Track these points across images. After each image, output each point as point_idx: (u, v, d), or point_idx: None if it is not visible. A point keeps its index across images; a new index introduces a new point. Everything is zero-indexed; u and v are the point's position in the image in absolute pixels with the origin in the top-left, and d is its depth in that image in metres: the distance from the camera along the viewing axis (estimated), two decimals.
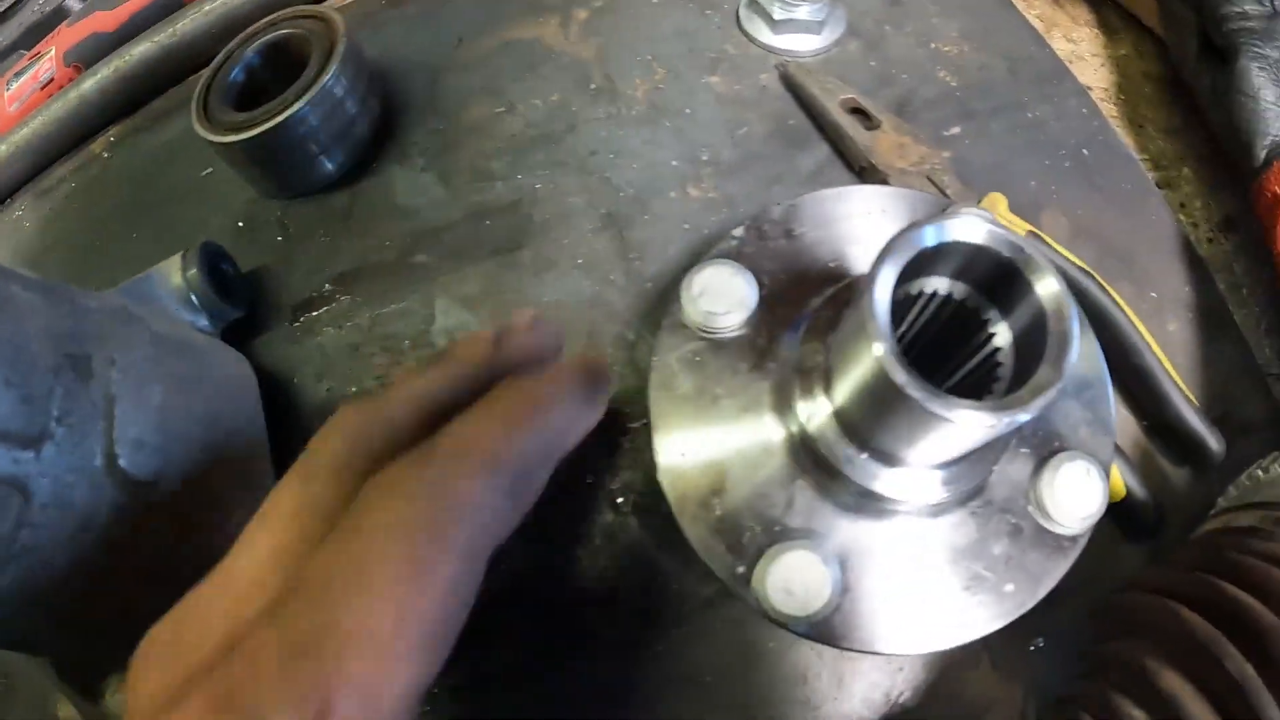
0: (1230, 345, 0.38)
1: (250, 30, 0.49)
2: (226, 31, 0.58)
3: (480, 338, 0.25)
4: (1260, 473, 0.30)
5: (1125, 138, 0.43)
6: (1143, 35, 0.48)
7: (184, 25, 0.58)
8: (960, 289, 0.24)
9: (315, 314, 0.41)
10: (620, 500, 0.34)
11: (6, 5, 0.73)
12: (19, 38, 0.70)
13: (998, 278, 0.23)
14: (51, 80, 0.62)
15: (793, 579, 0.25)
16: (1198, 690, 0.22)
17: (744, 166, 0.39)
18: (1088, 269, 0.35)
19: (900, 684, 0.31)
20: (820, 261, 0.30)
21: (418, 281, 0.40)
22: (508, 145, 0.42)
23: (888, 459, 0.25)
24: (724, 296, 0.29)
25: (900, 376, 0.20)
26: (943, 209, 0.30)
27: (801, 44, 0.43)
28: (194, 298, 0.40)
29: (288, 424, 0.38)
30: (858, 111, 0.39)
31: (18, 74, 0.63)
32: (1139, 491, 0.32)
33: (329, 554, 0.18)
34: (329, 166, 0.45)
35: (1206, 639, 0.23)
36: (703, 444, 0.28)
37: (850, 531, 0.27)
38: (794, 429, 0.27)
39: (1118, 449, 0.32)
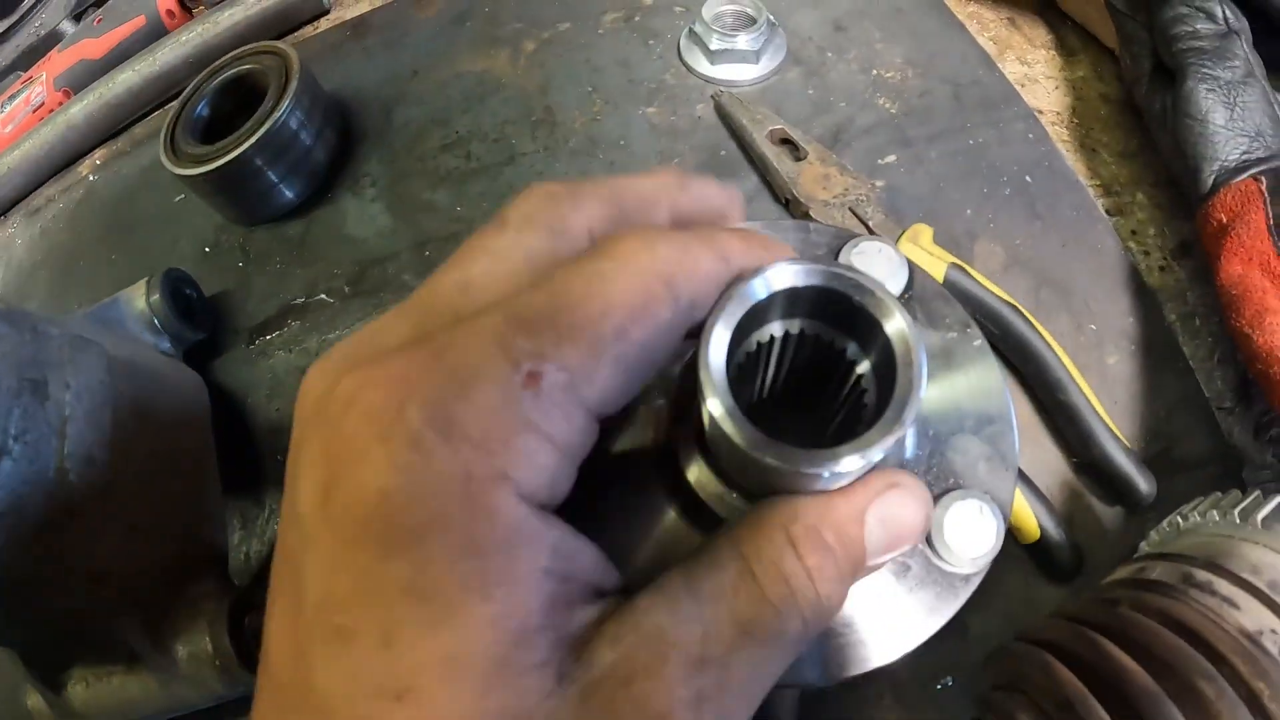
0: (1175, 378, 0.36)
1: (214, 65, 0.51)
2: (202, 60, 0.61)
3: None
4: (1180, 519, 0.29)
5: (1076, 163, 0.42)
6: (1102, 56, 0.47)
7: (163, 55, 0.62)
8: (813, 325, 0.23)
9: (269, 337, 0.43)
10: None
11: (3, 29, 0.77)
12: (15, 59, 0.74)
13: (847, 314, 0.22)
14: (43, 104, 0.66)
15: None
16: None
17: None
18: (1012, 302, 0.34)
19: (803, 715, 0.30)
20: None
21: (363, 309, 0.41)
22: (451, 177, 0.43)
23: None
24: None
25: (733, 433, 0.19)
26: (836, 244, 0.30)
27: (739, 73, 0.43)
28: (156, 321, 0.42)
29: (239, 439, 0.40)
30: (786, 142, 0.39)
31: (11, 97, 0.67)
32: (1054, 533, 0.31)
33: (574, 264, 0.17)
34: (288, 195, 0.48)
35: (1075, 697, 0.22)
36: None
37: None
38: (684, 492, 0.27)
39: (1034, 490, 0.31)
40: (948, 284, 0.35)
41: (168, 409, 0.37)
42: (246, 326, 0.45)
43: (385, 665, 0.14)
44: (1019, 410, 0.35)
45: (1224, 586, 0.24)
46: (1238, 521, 0.26)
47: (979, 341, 0.25)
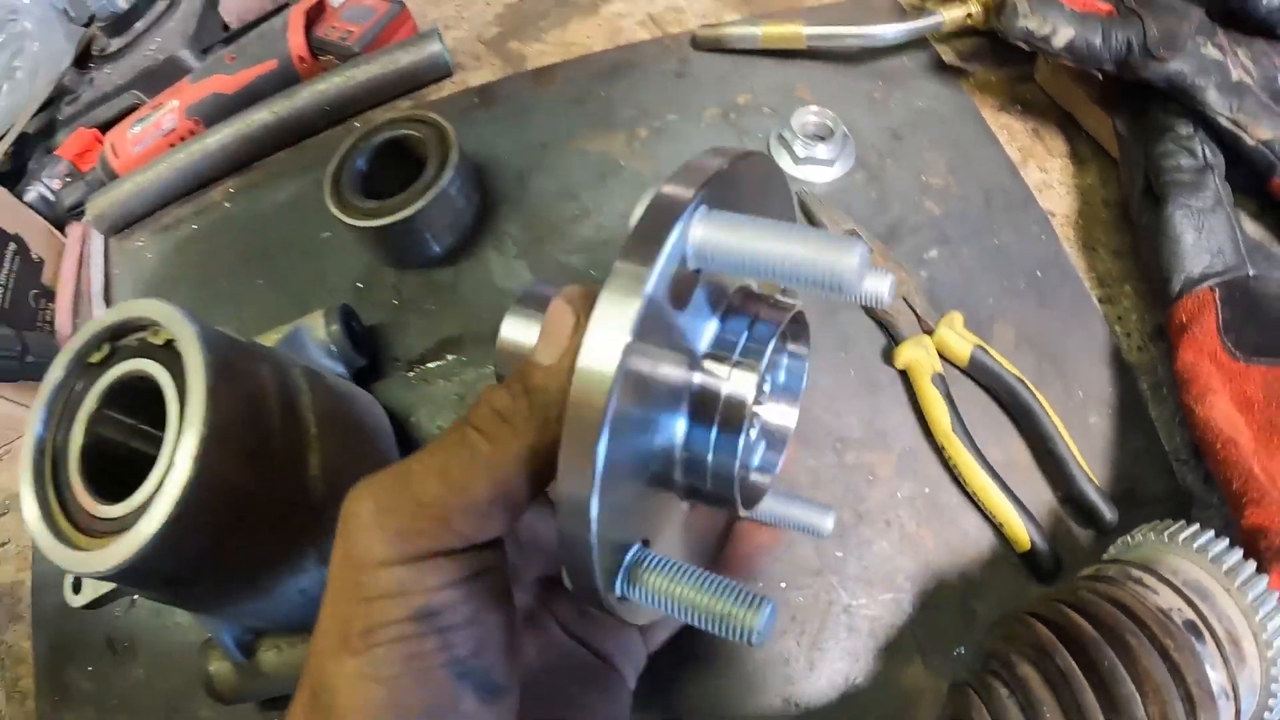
0: (1142, 435, 0.48)
1: (372, 127, 0.60)
2: (336, 108, 0.70)
3: None
4: (1129, 539, 0.40)
5: (1077, 259, 0.54)
6: (1108, 165, 0.58)
7: (300, 99, 0.70)
8: None
9: (429, 366, 0.53)
10: None
11: (117, 48, 0.83)
12: (133, 79, 0.80)
13: None
14: (173, 130, 0.73)
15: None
16: (1041, 676, 0.33)
17: None
18: (1019, 375, 0.46)
19: (857, 671, 0.42)
20: None
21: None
22: (583, 245, 0.54)
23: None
24: None
25: None
26: None
27: (817, 175, 0.54)
28: (333, 349, 0.51)
29: (408, 449, 0.51)
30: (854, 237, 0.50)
31: (140, 120, 0.74)
32: (1041, 545, 0.42)
33: None
34: (437, 249, 0.57)
35: (1048, 644, 0.34)
36: None
37: None
38: None
39: (1027, 513, 0.43)
40: (973, 363, 0.47)
41: (367, 425, 0.47)
42: (405, 357, 0.54)
43: None
44: (1019, 456, 0.46)
45: (1150, 580, 0.35)
46: (1166, 541, 0.37)
47: None
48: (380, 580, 0.21)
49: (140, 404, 0.37)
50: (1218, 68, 0.52)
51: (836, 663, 0.42)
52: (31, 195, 0.75)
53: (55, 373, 0.37)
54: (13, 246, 0.69)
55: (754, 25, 0.61)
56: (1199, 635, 0.34)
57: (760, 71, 0.61)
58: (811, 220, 0.52)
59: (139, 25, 0.83)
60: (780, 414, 0.30)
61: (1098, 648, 0.33)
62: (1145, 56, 0.51)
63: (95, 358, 0.37)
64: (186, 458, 0.32)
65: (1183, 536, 0.37)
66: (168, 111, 0.74)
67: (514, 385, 0.23)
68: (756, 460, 0.29)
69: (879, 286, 0.21)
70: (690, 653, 0.42)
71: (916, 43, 0.62)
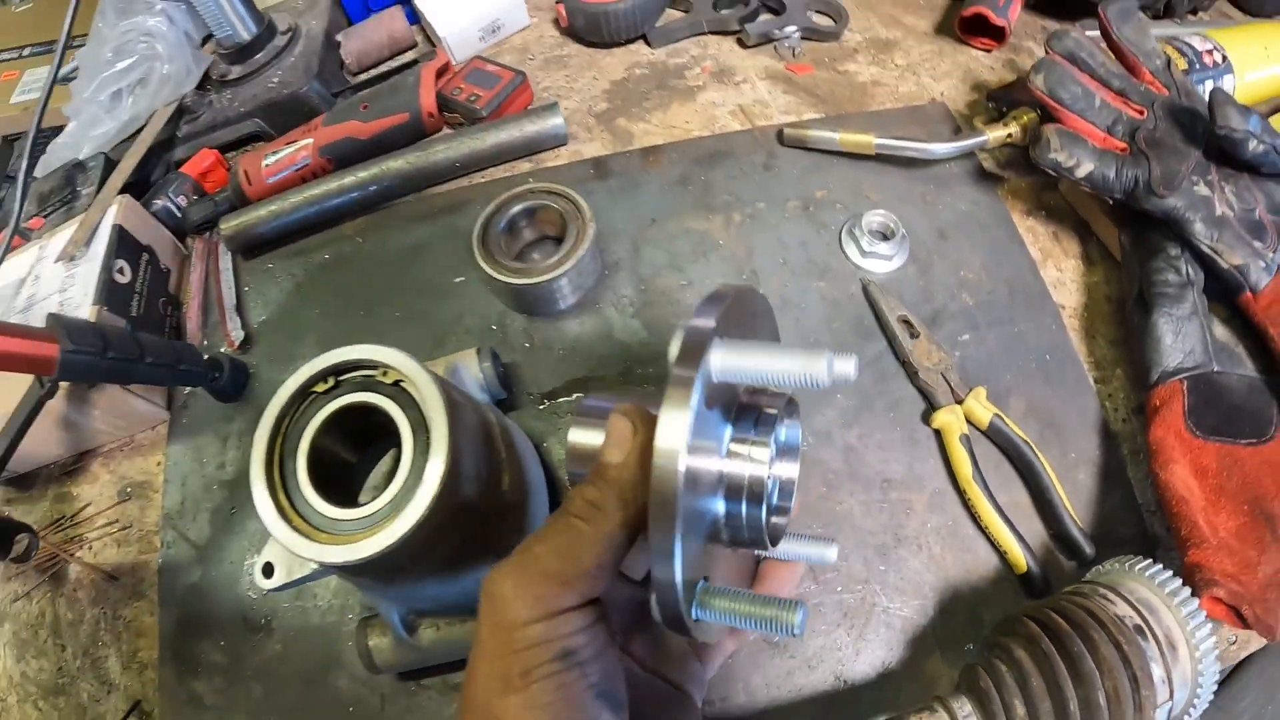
0: (1121, 490, 0.61)
1: (512, 195, 0.71)
2: (465, 164, 0.80)
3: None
4: (1101, 567, 0.55)
5: (1080, 344, 0.67)
6: (1113, 266, 0.71)
7: (435, 154, 0.79)
8: None
9: (558, 401, 0.65)
10: None
11: (237, 75, 0.89)
12: (253, 108, 0.87)
13: None
14: (306, 165, 0.81)
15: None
16: (1029, 657, 0.47)
17: (836, 350, 0.65)
18: (1026, 438, 0.60)
19: (891, 658, 0.55)
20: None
21: (632, 394, 0.66)
22: (689, 312, 0.67)
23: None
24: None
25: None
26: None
27: (878, 267, 0.69)
28: (484, 382, 0.59)
29: (545, 471, 0.65)
30: (906, 323, 0.65)
31: (274, 152, 0.82)
32: (1034, 569, 0.57)
33: None
34: (564, 304, 0.70)
35: (1035, 635, 0.48)
36: None
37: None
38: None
39: (1025, 545, 0.57)
40: (991, 428, 0.61)
41: (525, 449, 0.57)
42: (538, 392, 0.64)
43: None
44: (1021, 500, 0.60)
45: (1112, 596, 0.49)
46: (1127, 569, 0.51)
47: None
48: (528, 634, 0.27)
49: (352, 428, 0.47)
50: (1205, 203, 0.65)
51: (876, 651, 0.55)
52: (157, 207, 0.80)
53: (288, 390, 0.45)
54: (145, 256, 0.76)
55: (833, 131, 0.75)
56: (1144, 636, 0.48)
57: (835, 170, 0.75)
58: (873, 305, 0.67)
59: (259, 57, 0.89)
60: (787, 469, 0.37)
61: (1070, 638, 0.47)
62: (1148, 192, 0.65)
63: (320, 387, 0.45)
64: (435, 476, 0.39)
65: (1139, 567, 0.51)
66: (301, 148, 0.82)
67: (597, 481, 0.30)
68: (775, 503, 0.36)
69: (846, 369, 0.28)
70: (760, 644, 0.56)
71: (963, 154, 0.76)
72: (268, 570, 0.50)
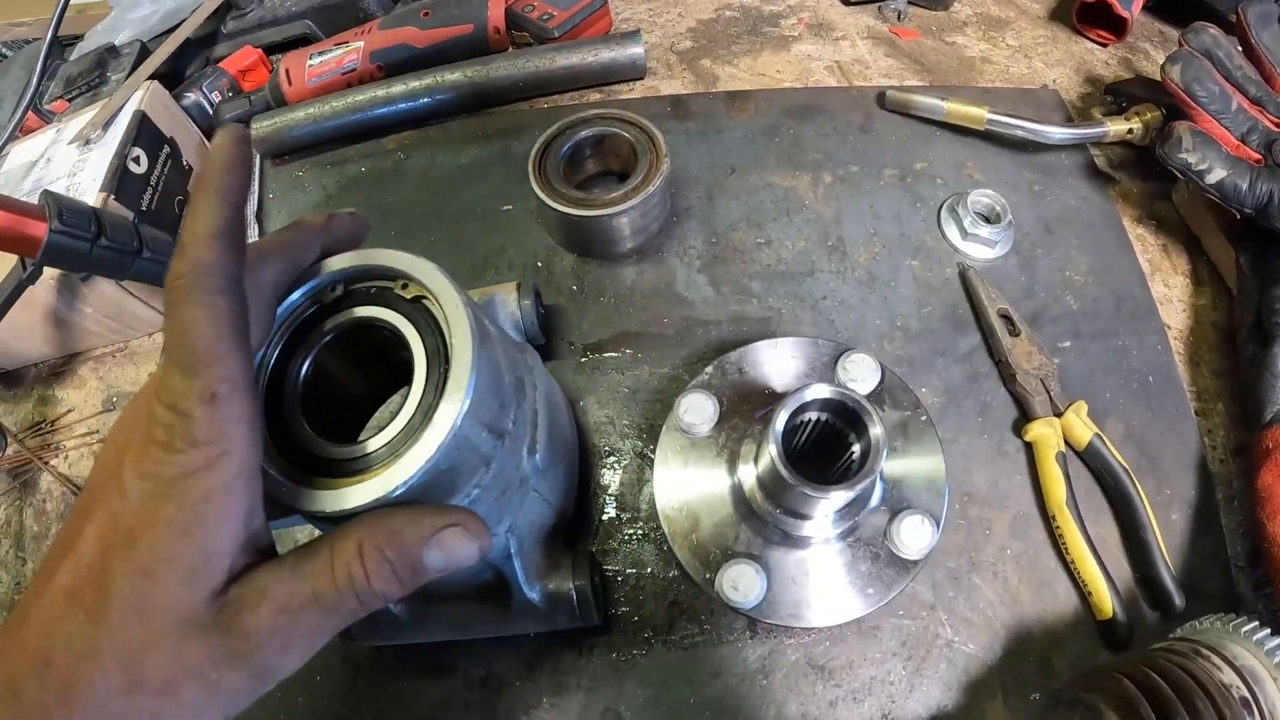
0: (1212, 539, 0.55)
1: (579, 118, 0.64)
2: (529, 86, 0.73)
3: (317, 217, 0.36)
4: (1196, 624, 0.49)
5: (1184, 372, 0.61)
6: (1221, 290, 0.65)
7: (496, 70, 0.72)
8: (831, 418, 0.44)
9: (603, 356, 0.59)
10: (637, 533, 0.54)
11: None
12: (306, 9, 0.82)
13: (851, 415, 0.43)
14: (353, 70, 0.75)
15: (738, 582, 0.46)
16: None
17: (922, 337, 0.58)
18: (1126, 466, 0.53)
19: (948, 699, 0.49)
20: (756, 389, 0.51)
21: (687, 361, 0.58)
22: (764, 272, 0.61)
23: (792, 513, 0.46)
24: (699, 412, 0.50)
25: (783, 471, 0.40)
26: (837, 353, 0.51)
27: (978, 253, 0.61)
28: (520, 322, 0.53)
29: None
30: (1006, 318, 0.58)
31: (321, 53, 0.76)
32: (1120, 615, 0.50)
33: None
34: (622, 247, 0.63)
35: (1133, 697, 0.42)
36: (685, 501, 0.50)
37: (774, 554, 0.48)
38: (739, 494, 0.48)
39: (1113, 586, 0.51)
40: (1089, 448, 0.54)
41: (559, 400, 0.52)
42: (580, 342, 0.59)
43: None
44: (1109, 536, 0.54)
45: (1216, 659, 0.44)
46: (1230, 630, 0.46)
47: (924, 417, 0.47)
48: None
49: (362, 351, 0.40)
50: None
51: (932, 689, 0.49)
52: (188, 101, 0.77)
53: (290, 299, 0.37)
54: (166, 149, 0.71)
55: (940, 99, 0.67)
56: (1250, 711, 0.42)
57: (937, 143, 0.68)
58: (970, 293, 0.60)
59: None
60: None
61: (1174, 707, 0.41)
62: None
63: (327, 296, 0.38)
64: (447, 420, 0.32)
65: (1244, 629, 0.45)
66: (351, 51, 0.76)
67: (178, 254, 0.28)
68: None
69: None
70: (803, 666, 0.50)
71: (1075, 145, 0.68)
72: None
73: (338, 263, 0.39)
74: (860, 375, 0.49)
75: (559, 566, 0.47)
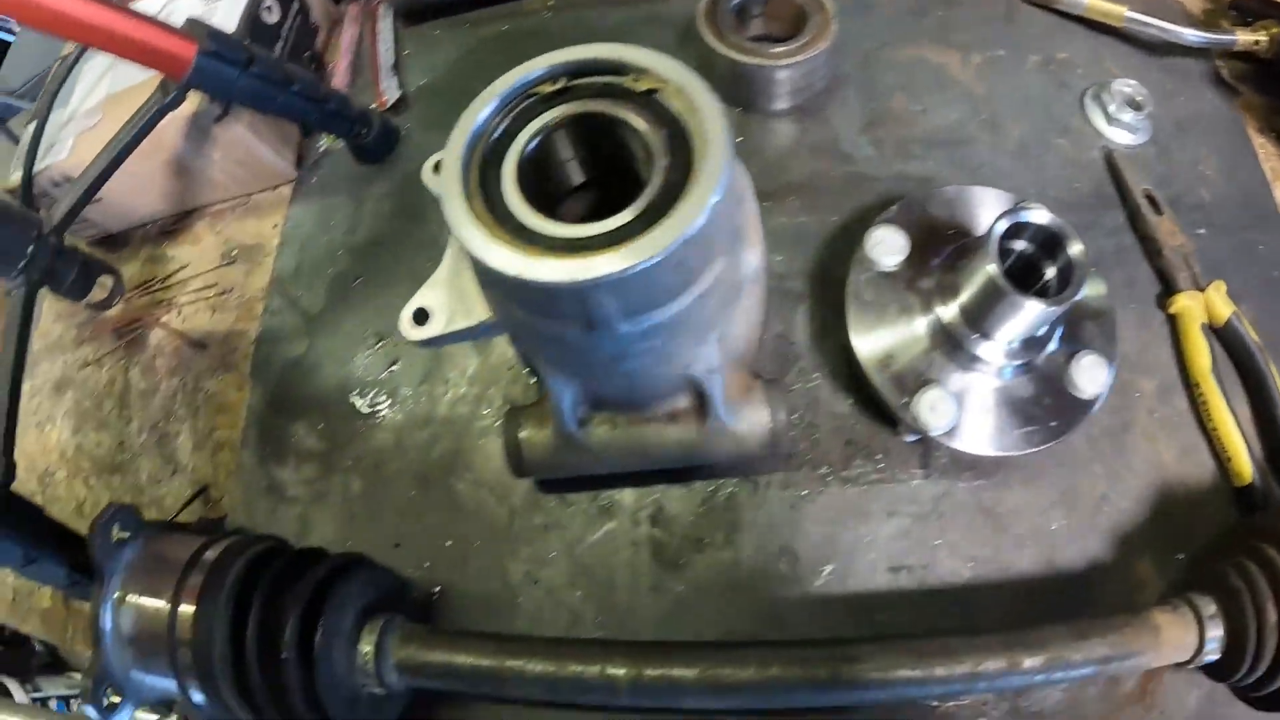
0: None
1: None
2: None
3: None
4: None
5: None
6: None
7: None
8: (1027, 247, 0.47)
9: (769, 204, 0.58)
10: (814, 374, 0.55)
11: None
12: None
13: (1053, 238, 0.45)
14: None
15: (936, 404, 0.48)
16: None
17: (1073, 209, 0.60)
18: (1262, 345, 0.56)
19: (1103, 552, 0.51)
20: (944, 229, 0.53)
21: (856, 210, 0.59)
22: (922, 137, 0.62)
23: (987, 336, 0.47)
24: (889, 245, 0.50)
25: (1001, 282, 0.42)
26: (1016, 204, 0.51)
27: (1121, 138, 0.63)
28: None
29: None
30: (1150, 198, 0.59)
31: None
32: (1258, 482, 0.53)
33: None
34: (784, 104, 0.64)
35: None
36: (877, 333, 0.51)
37: (965, 381, 0.49)
38: (933, 321, 0.50)
39: (1259, 463, 0.53)
40: (1228, 325, 0.56)
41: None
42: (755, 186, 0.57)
43: None
44: (1242, 414, 0.54)
45: None
46: None
47: (1093, 269, 0.49)
48: None
49: (584, 149, 0.41)
50: None
51: (1090, 541, 0.51)
52: None
53: (516, 77, 0.38)
54: (296, 5, 0.70)
55: None
56: None
57: (1076, 37, 0.69)
58: (1115, 175, 0.61)
59: None
60: None
61: None
62: None
63: (546, 88, 0.38)
64: (708, 191, 0.33)
65: None
66: None
67: None
68: None
69: None
70: (973, 510, 0.51)
71: (1201, 53, 0.70)
72: (420, 316, 0.41)
73: (558, 56, 0.39)
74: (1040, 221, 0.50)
75: (750, 393, 0.47)
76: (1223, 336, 0.57)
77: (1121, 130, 0.63)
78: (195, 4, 0.65)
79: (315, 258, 0.63)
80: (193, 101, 0.58)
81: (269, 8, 0.66)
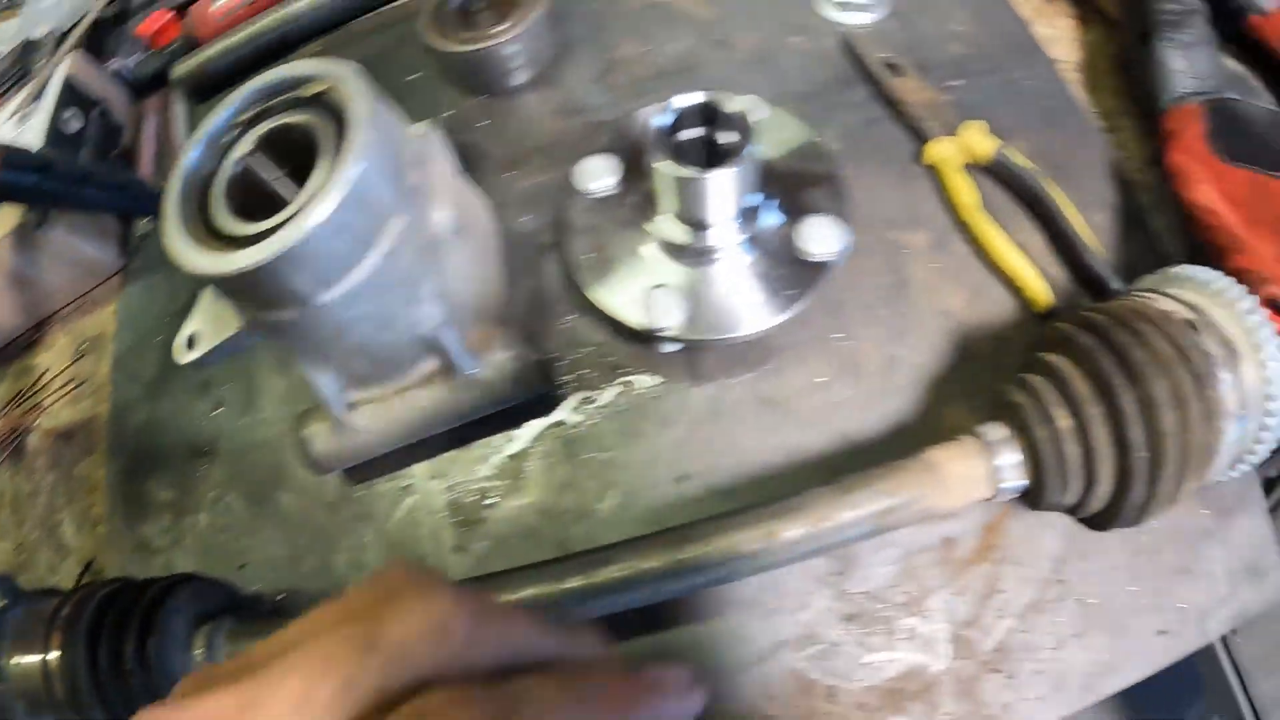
0: (1142, 235, 0.54)
1: None
2: None
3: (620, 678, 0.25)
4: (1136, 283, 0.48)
5: (1082, 95, 0.61)
6: (1111, 27, 0.66)
7: None
8: (693, 132, 0.47)
9: (516, 171, 0.61)
10: (566, 315, 0.54)
11: None
12: None
13: (710, 115, 0.46)
14: (254, 1, 0.78)
15: (664, 307, 0.46)
16: (1070, 359, 0.40)
17: (815, 97, 0.58)
18: (1034, 168, 0.53)
19: (906, 410, 0.49)
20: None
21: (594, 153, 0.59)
22: (655, 71, 0.62)
23: (699, 227, 0.46)
24: (595, 172, 0.52)
25: (666, 168, 0.42)
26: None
27: (857, 19, 0.62)
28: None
29: None
30: (890, 66, 0.58)
31: None
32: (1063, 302, 0.49)
33: None
34: (520, 79, 0.65)
35: (1070, 333, 0.40)
36: (601, 257, 0.51)
37: (696, 275, 0.48)
38: (649, 230, 0.49)
39: (1045, 280, 0.50)
40: (995, 162, 0.54)
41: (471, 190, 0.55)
42: (496, 160, 0.63)
43: None
44: (1033, 242, 0.53)
45: (1153, 296, 0.43)
46: (1169, 276, 0.44)
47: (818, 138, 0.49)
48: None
49: (285, 156, 0.43)
50: None
51: (889, 401, 0.49)
52: (112, 68, 0.81)
53: (219, 114, 0.43)
54: (98, 109, 0.75)
55: None
56: (1195, 330, 0.40)
57: None
58: (854, 54, 0.60)
59: None
60: None
61: (1115, 329, 0.39)
62: None
63: (244, 117, 0.43)
64: (344, 163, 0.37)
65: (1181, 272, 0.44)
66: None
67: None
68: None
69: None
70: (749, 400, 0.50)
71: None
72: (191, 341, 0.47)
73: (244, 89, 0.44)
74: (747, 106, 0.50)
75: (492, 340, 0.47)
76: (995, 173, 0.55)
77: (856, 13, 0.62)
78: (7, 131, 0.72)
79: (146, 330, 0.67)
80: (14, 215, 0.65)
81: (67, 120, 0.72)
